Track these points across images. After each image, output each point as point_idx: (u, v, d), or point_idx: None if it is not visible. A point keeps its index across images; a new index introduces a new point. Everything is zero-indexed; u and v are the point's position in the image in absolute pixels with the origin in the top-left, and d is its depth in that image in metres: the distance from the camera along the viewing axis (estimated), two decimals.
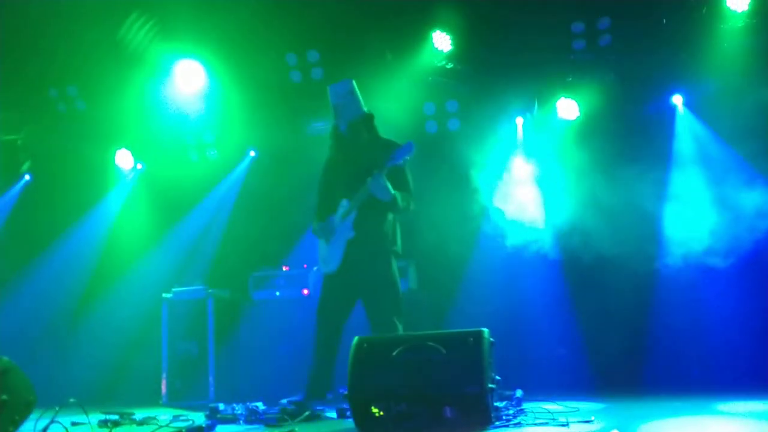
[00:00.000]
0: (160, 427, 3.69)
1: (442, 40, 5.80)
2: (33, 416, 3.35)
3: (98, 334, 6.56)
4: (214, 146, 6.94)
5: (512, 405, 3.81)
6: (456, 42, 5.80)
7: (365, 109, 4.32)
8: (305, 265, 6.08)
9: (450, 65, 6.00)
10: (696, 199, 5.59)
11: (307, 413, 4.06)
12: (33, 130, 6.91)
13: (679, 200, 5.65)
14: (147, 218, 7.12)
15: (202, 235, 7.01)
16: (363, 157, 4.19)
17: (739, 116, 5.51)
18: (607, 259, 5.39)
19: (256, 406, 4.03)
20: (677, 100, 5.98)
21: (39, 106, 6.66)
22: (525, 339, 5.73)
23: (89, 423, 3.72)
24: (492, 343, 3.41)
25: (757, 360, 5.16)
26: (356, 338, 3.57)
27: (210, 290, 6.02)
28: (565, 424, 3.31)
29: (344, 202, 4.22)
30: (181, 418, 4.16)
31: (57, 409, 3.40)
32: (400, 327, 4.15)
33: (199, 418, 4.05)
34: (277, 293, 6.08)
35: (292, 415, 3.91)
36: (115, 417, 3.97)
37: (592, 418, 3.51)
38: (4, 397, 3.20)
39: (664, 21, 5.49)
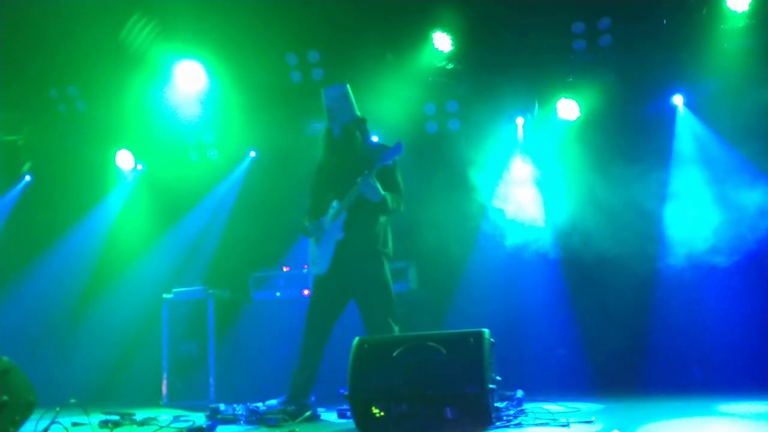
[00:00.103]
0: (161, 427, 3.69)
1: (442, 41, 5.80)
2: (34, 417, 3.35)
3: (99, 334, 6.56)
4: (214, 146, 6.94)
5: (513, 405, 3.81)
6: (456, 42, 5.80)
7: (359, 113, 4.35)
8: (306, 266, 6.08)
9: (450, 65, 6.00)
10: (696, 199, 5.59)
11: (308, 413, 4.07)
12: (34, 130, 6.92)
13: (679, 200, 5.66)
14: (147, 218, 7.12)
15: (203, 236, 7.01)
16: (355, 161, 4.22)
17: (740, 116, 5.51)
18: (608, 259, 5.39)
19: (257, 407, 4.03)
20: (678, 100, 5.98)
21: (39, 106, 6.66)
22: (525, 339, 5.73)
23: (90, 423, 3.73)
24: (492, 344, 3.41)
25: (758, 360, 5.16)
26: (357, 339, 3.57)
27: (210, 291, 6.02)
28: (566, 425, 3.31)
29: (335, 203, 4.25)
30: (182, 418, 4.17)
31: (58, 409, 3.40)
32: (396, 328, 4.16)
33: (199, 419, 4.05)
34: (278, 294, 6.08)
35: (293, 415, 3.92)
36: (116, 417, 3.97)
37: (593, 418, 3.51)
38: (5, 397, 3.20)
39: (665, 21, 5.49)
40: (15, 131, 6.94)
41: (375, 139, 6.55)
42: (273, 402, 4.08)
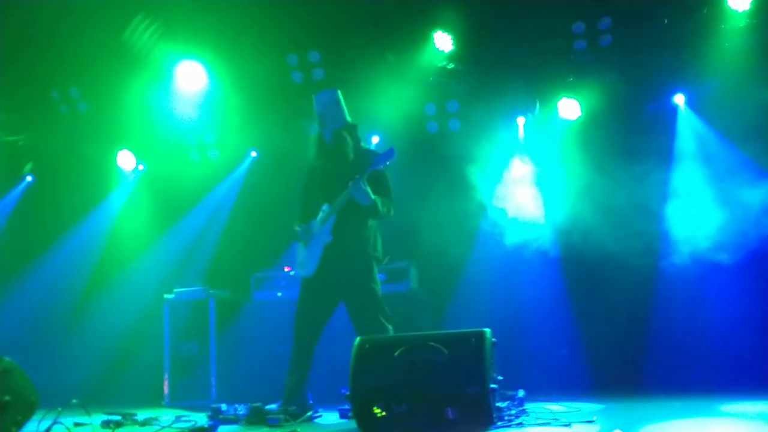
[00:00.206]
0: (163, 427, 3.70)
1: (443, 41, 5.79)
2: (36, 417, 3.36)
3: (100, 334, 6.56)
4: (215, 147, 6.95)
5: (514, 405, 3.81)
6: (457, 42, 5.80)
7: (350, 118, 4.40)
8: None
9: (451, 65, 6.00)
10: (698, 198, 5.58)
11: (309, 413, 4.07)
12: (35, 131, 6.93)
13: (680, 199, 5.65)
14: (148, 219, 7.13)
15: (204, 236, 7.01)
16: (346, 166, 4.26)
17: (741, 115, 5.50)
18: (608, 258, 5.39)
19: (259, 407, 4.03)
20: (679, 99, 5.98)
21: (41, 107, 6.67)
22: (526, 338, 5.72)
23: (92, 423, 3.73)
24: (494, 343, 3.41)
25: (760, 359, 5.15)
26: (358, 339, 3.57)
27: (211, 291, 6.02)
28: (568, 425, 3.31)
29: (325, 207, 4.29)
30: (184, 418, 4.17)
31: (59, 409, 3.41)
32: (389, 327, 4.19)
33: (201, 419, 4.05)
34: (279, 294, 6.08)
35: (294, 415, 3.92)
36: (118, 417, 3.98)
37: (594, 418, 3.51)
38: (7, 398, 3.21)
39: (666, 21, 5.48)
40: (17, 132, 6.95)
41: (376, 139, 6.62)
42: (272, 407, 4.09)
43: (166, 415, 4.32)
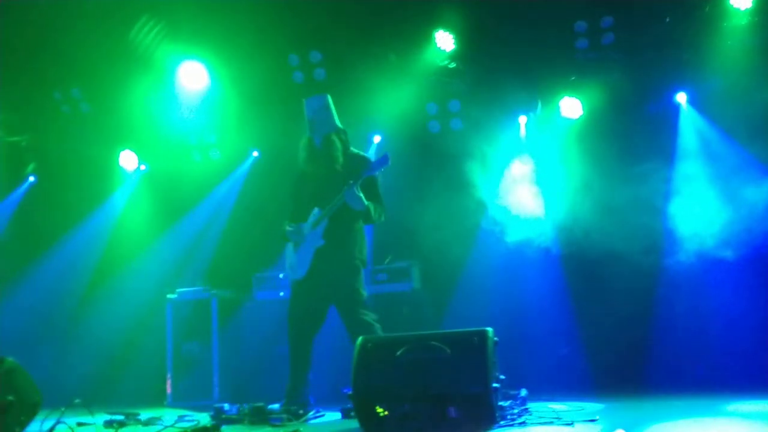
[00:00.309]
0: (165, 427, 3.70)
1: (444, 40, 5.79)
2: (39, 417, 3.36)
3: (102, 334, 6.57)
4: (217, 147, 6.96)
5: (517, 404, 3.80)
6: (459, 41, 5.79)
7: (339, 124, 4.47)
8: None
9: (453, 65, 5.99)
10: (700, 196, 5.57)
11: (311, 413, 4.08)
12: (37, 131, 6.94)
13: (683, 197, 5.64)
14: (150, 219, 7.13)
15: (206, 236, 7.02)
16: (336, 170, 4.35)
17: (744, 114, 5.49)
18: (611, 257, 5.38)
19: (261, 406, 4.04)
20: (681, 98, 5.97)
21: (43, 108, 6.68)
22: (529, 337, 5.72)
23: (95, 423, 3.74)
24: (496, 342, 3.41)
25: (764, 358, 5.13)
26: (360, 338, 3.58)
27: (214, 291, 6.03)
28: (570, 424, 3.31)
29: (316, 211, 4.36)
30: (186, 418, 4.18)
31: (62, 409, 3.41)
32: (377, 327, 4.26)
33: (204, 419, 4.06)
34: (281, 293, 6.08)
35: (297, 415, 3.92)
36: (121, 417, 3.98)
37: (597, 417, 3.51)
38: (11, 397, 3.22)
39: (667, 19, 5.47)
40: (19, 132, 6.97)
41: (377, 139, 6.62)
42: (275, 406, 4.11)
43: (169, 415, 4.32)
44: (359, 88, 5.90)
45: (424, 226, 5.78)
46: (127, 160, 7.06)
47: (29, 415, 3.33)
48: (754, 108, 5.41)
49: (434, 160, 6.29)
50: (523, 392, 4.02)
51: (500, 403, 3.45)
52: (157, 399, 5.89)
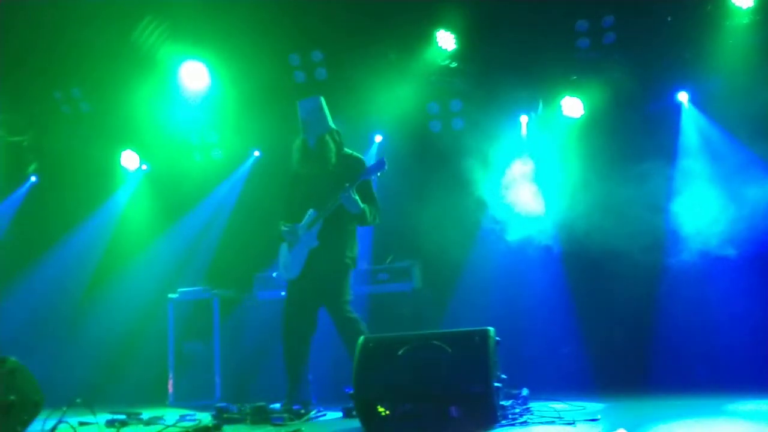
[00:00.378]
0: (167, 426, 3.70)
1: (445, 39, 5.79)
2: (41, 416, 3.37)
3: (104, 334, 6.58)
4: (218, 147, 6.96)
5: (518, 404, 3.80)
6: (460, 41, 5.79)
7: (333, 125, 4.55)
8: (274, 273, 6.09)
9: (454, 64, 5.99)
10: (703, 195, 5.56)
11: (313, 412, 4.08)
12: (39, 131, 6.94)
13: (685, 196, 5.63)
14: (152, 218, 7.14)
15: (207, 236, 7.02)
16: (330, 171, 4.43)
17: (746, 113, 5.48)
18: (613, 256, 5.38)
19: (263, 406, 4.04)
20: (683, 97, 5.96)
21: (44, 108, 6.69)
22: (530, 337, 5.71)
23: (97, 423, 3.74)
24: (497, 342, 3.41)
25: (766, 358, 5.13)
26: (362, 337, 3.58)
27: (215, 290, 6.03)
28: (572, 423, 3.31)
29: (311, 212, 4.42)
30: (188, 417, 4.18)
31: (64, 409, 3.42)
32: (363, 324, 4.37)
33: (205, 418, 4.06)
34: (283, 293, 6.05)
35: (299, 414, 3.93)
36: (123, 417, 3.99)
37: (599, 416, 3.51)
38: (13, 397, 3.22)
39: (669, 18, 5.47)
40: (21, 132, 6.97)
41: (378, 138, 6.62)
42: (275, 406, 4.12)
43: (171, 415, 4.33)
44: (360, 88, 5.90)
45: (425, 226, 5.78)
46: (129, 159, 7.07)
47: (31, 415, 3.33)
48: (756, 107, 5.40)
49: (435, 159, 6.29)
50: (525, 392, 4.02)
51: (502, 403, 3.45)
52: (158, 398, 5.90)
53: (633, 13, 5.43)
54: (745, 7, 5.25)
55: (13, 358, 3.33)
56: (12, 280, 6.83)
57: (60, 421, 3.38)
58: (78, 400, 3.50)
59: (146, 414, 4.17)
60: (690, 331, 5.48)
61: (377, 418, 3.36)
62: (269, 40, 5.94)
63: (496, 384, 3.27)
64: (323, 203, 4.37)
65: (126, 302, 6.63)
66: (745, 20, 5.34)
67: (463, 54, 5.90)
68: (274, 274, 5.93)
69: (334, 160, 4.46)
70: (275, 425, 3.77)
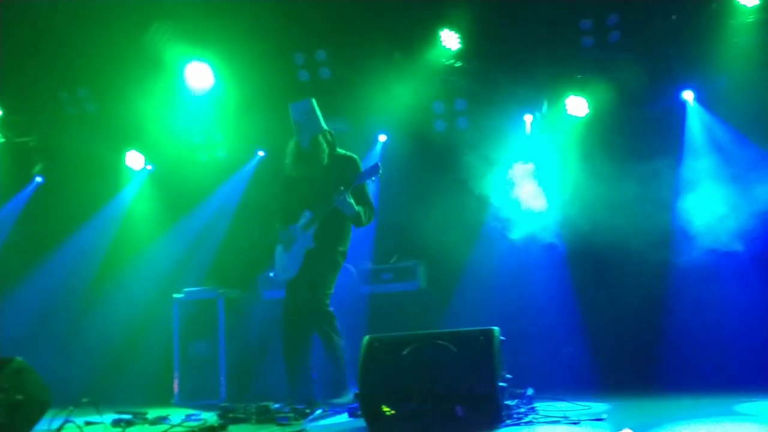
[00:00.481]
0: (173, 426, 3.71)
1: (450, 39, 5.78)
2: (47, 416, 3.38)
3: (109, 333, 6.59)
4: (222, 146, 6.97)
5: (523, 403, 3.80)
6: (464, 40, 5.79)
7: (325, 126, 4.63)
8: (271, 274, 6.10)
9: (458, 64, 5.98)
10: (709, 193, 5.54)
11: (318, 412, 4.09)
12: (45, 132, 6.97)
13: (690, 194, 5.62)
14: (157, 218, 7.16)
15: (212, 236, 7.03)
16: (324, 171, 4.52)
17: (751, 112, 5.47)
18: (618, 254, 5.37)
19: (267, 406, 4.05)
20: (688, 95, 5.95)
21: (50, 109, 6.71)
22: (535, 336, 5.70)
23: (103, 422, 3.75)
24: (502, 341, 3.40)
25: None
26: (367, 337, 3.58)
27: (220, 290, 6.05)
28: (577, 423, 3.31)
29: (307, 213, 4.51)
30: (193, 417, 4.19)
31: (71, 408, 3.43)
32: (336, 320, 4.50)
33: (211, 418, 4.07)
34: None
35: (303, 414, 3.93)
36: (128, 416, 4.00)
37: (604, 416, 3.50)
38: (19, 397, 3.24)
39: (674, 17, 5.46)
40: (27, 133, 7.00)
41: (383, 138, 6.62)
42: (276, 405, 4.13)
43: (176, 414, 4.34)
44: (365, 87, 5.90)
45: (429, 225, 5.78)
46: (134, 160, 7.09)
47: (38, 414, 3.35)
48: (762, 106, 5.38)
49: (440, 158, 6.28)
50: (530, 391, 4.02)
51: (507, 402, 3.45)
52: (164, 398, 5.91)
53: (638, 11, 5.42)
54: (750, 5, 5.23)
55: (19, 358, 3.35)
56: (17, 279, 6.86)
57: (66, 421, 3.39)
58: (84, 400, 3.51)
59: (152, 413, 4.19)
60: (697, 329, 5.45)
61: (382, 418, 3.37)
62: (273, 40, 5.95)
63: (501, 383, 3.27)
64: (318, 204, 4.46)
65: (131, 302, 6.65)
66: (750, 18, 5.32)
67: (467, 53, 5.90)
68: (271, 275, 5.96)
69: (326, 160, 4.56)
70: (280, 425, 3.77)
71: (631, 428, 3.05)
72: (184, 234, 7.03)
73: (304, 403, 4.21)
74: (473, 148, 5.90)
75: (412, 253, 6.03)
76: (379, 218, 6.37)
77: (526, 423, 3.38)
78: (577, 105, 5.97)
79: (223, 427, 3.57)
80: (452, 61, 5.97)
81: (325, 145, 4.58)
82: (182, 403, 5.77)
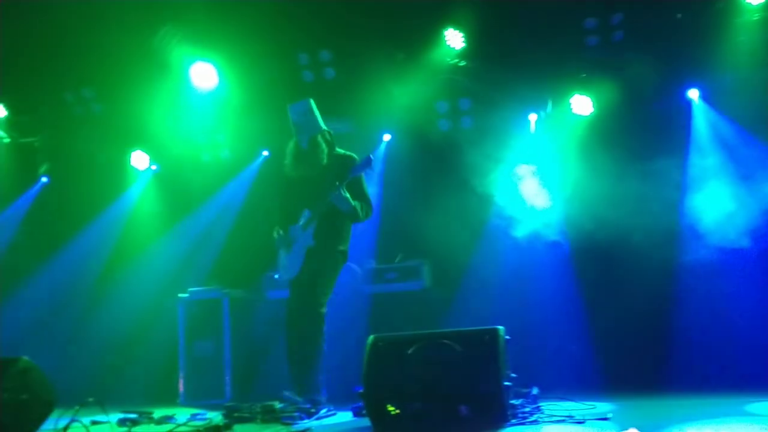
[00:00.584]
0: (178, 425, 3.72)
1: (454, 38, 5.78)
2: (53, 415, 3.39)
3: (114, 333, 6.61)
4: (227, 146, 6.98)
5: (528, 403, 3.80)
6: (468, 39, 5.79)
7: (324, 125, 4.64)
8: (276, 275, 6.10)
9: (462, 63, 5.98)
10: (715, 190, 5.53)
11: (323, 411, 4.09)
12: (51, 133, 6.99)
13: (696, 192, 5.60)
14: (161, 218, 7.17)
15: (217, 235, 7.04)
16: (324, 170, 4.52)
17: (757, 109, 5.45)
18: (624, 253, 5.36)
19: (272, 405, 4.05)
20: (693, 94, 5.93)
21: (56, 109, 6.73)
22: (540, 335, 5.69)
23: (109, 422, 3.77)
24: (507, 341, 3.40)
25: None
26: (371, 337, 3.58)
27: (225, 290, 6.06)
28: (582, 422, 3.30)
29: (306, 212, 4.51)
30: (199, 416, 4.20)
31: (77, 408, 3.44)
32: (324, 326, 4.45)
33: (216, 417, 4.08)
34: None
35: (309, 413, 3.94)
36: (134, 416, 4.01)
37: (610, 415, 3.49)
38: (25, 396, 3.25)
39: (679, 15, 5.44)
40: (33, 133, 7.02)
41: (387, 137, 6.63)
42: (279, 405, 4.14)
43: (182, 414, 4.35)
44: (369, 87, 5.91)
45: (434, 225, 5.78)
46: (139, 160, 7.11)
47: (44, 414, 3.36)
48: (767, 103, 5.36)
49: (444, 158, 6.28)
50: (535, 390, 4.01)
51: (512, 402, 3.44)
52: (169, 398, 5.92)
53: (642, 10, 5.41)
54: (755, 3, 5.21)
55: (25, 358, 3.36)
56: (23, 279, 6.88)
57: (72, 420, 3.40)
58: (90, 399, 3.52)
59: (157, 413, 4.20)
60: (704, 328, 5.42)
61: (387, 417, 3.37)
62: (277, 40, 5.96)
63: (506, 383, 3.27)
64: (318, 203, 4.46)
65: (136, 302, 6.66)
66: (756, 17, 5.31)
67: (471, 52, 5.89)
68: (276, 276, 5.97)
69: (326, 160, 4.56)
70: (285, 424, 3.78)
71: (636, 428, 3.04)
72: (188, 234, 7.04)
73: (309, 403, 4.21)
74: (477, 147, 5.90)
75: (416, 252, 6.03)
76: (382, 217, 6.39)
77: (531, 422, 3.38)
78: (582, 104, 5.96)
79: (228, 426, 3.58)
80: (456, 60, 5.97)
81: (324, 145, 4.59)
82: (187, 402, 5.78)
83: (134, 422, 3.93)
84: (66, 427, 3.34)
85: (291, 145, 4.67)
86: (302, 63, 6.16)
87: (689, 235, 5.48)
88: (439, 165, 6.30)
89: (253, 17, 5.68)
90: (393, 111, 6.17)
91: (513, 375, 3.43)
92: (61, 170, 7.21)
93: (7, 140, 7.00)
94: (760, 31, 5.34)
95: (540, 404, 3.90)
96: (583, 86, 5.92)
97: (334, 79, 6.16)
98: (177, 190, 7.15)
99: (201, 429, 3.50)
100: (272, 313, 6.13)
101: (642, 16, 5.47)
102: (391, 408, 3.36)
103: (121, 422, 3.91)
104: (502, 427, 3.24)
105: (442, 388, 3.31)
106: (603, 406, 3.94)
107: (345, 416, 4.19)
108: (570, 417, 3.46)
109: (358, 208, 4.45)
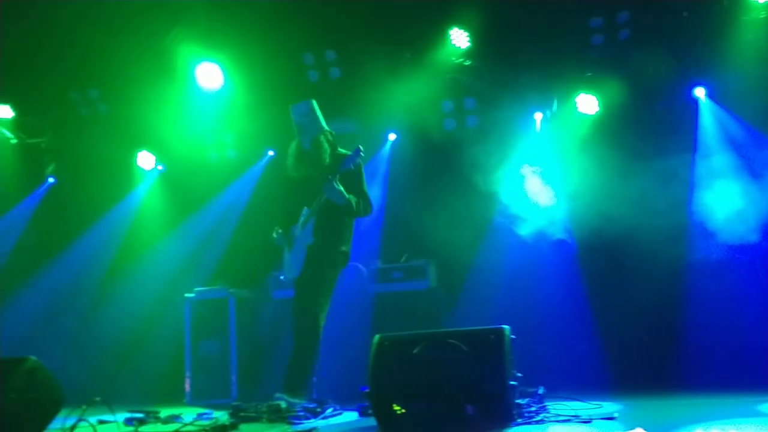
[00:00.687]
0: (185, 424, 3.73)
1: (459, 37, 5.78)
2: (60, 415, 3.41)
3: (120, 333, 6.64)
4: (232, 146, 7.00)
5: (534, 402, 3.79)
6: (473, 39, 5.78)
7: (326, 126, 4.64)
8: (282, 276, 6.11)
9: (468, 62, 5.98)
10: (722, 188, 5.50)
11: (329, 410, 4.10)
12: (58, 133, 7.02)
13: (703, 190, 5.58)
14: (167, 218, 7.20)
15: (223, 235, 7.06)
16: (326, 171, 4.47)
17: (763, 107, 5.43)
18: (629, 253, 5.34)
19: (278, 405, 4.06)
20: (699, 92, 5.91)
21: (62, 110, 6.76)
22: (546, 335, 5.68)
23: (116, 421, 3.78)
24: (513, 340, 3.40)
25: None
26: (377, 336, 3.58)
27: (231, 290, 6.07)
28: (588, 422, 3.30)
29: (305, 210, 4.50)
30: (205, 416, 4.21)
31: (84, 407, 3.45)
32: (320, 329, 4.38)
33: (222, 416, 4.09)
34: None
35: (314, 413, 3.94)
36: (141, 415, 4.02)
37: (616, 415, 3.48)
38: (33, 396, 3.26)
39: (685, 14, 5.42)
40: (39, 134, 7.06)
41: (392, 137, 6.63)
42: (281, 405, 4.14)
43: (188, 413, 4.36)
44: (374, 87, 5.91)
45: (438, 224, 5.77)
46: (145, 160, 7.13)
47: (51, 414, 3.37)
48: None
49: (449, 157, 6.28)
50: (540, 390, 4.00)
51: (517, 401, 3.44)
52: (175, 397, 5.94)
53: (648, 8, 5.39)
54: (762, 1, 5.18)
55: (32, 358, 3.37)
56: (30, 279, 6.92)
57: (80, 420, 3.41)
58: (97, 399, 3.53)
59: (164, 412, 4.21)
60: (713, 327, 5.40)
61: (393, 417, 3.37)
62: (283, 40, 5.97)
63: (511, 382, 3.26)
64: (315, 200, 4.43)
65: (143, 301, 6.69)
66: (762, 14, 5.28)
67: (476, 52, 5.89)
68: (282, 277, 5.98)
69: (328, 160, 4.54)
70: (291, 423, 3.78)
71: (643, 428, 3.03)
72: (194, 233, 7.06)
73: (315, 402, 4.21)
74: (482, 146, 5.89)
75: (421, 251, 6.03)
76: (388, 217, 6.39)
77: (537, 422, 3.37)
78: (588, 103, 5.95)
79: (234, 425, 3.59)
80: (461, 59, 5.96)
81: (326, 146, 4.57)
82: (194, 401, 5.80)
83: (141, 421, 3.94)
84: (73, 427, 3.36)
85: (293, 145, 4.67)
86: (307, 63, 6.16)
87: (697, 234, 5.46)
88: (444, 164, 6.30)
89: (259, 18, 5.69)
90: (398, 110, 6.17)
91: (519, 374, 3.42)
92: (67, 171, 7.24)
93: (14, 141, 7.04)
94: (766, 29, 5.31)
95: (546, 404, 3.89)
96: (589, 85, 5.91)
97: (339, 79, 6.17)
98: (183, 190, 7.17)
99: (207, 428, 3.51)
100: (278, 313, 6.14)
101: (648, 15, 5.45)
102: (396, 407, 3.36)
103: (128, 421, 3.93)
104: (508, 426, 3.23)
105: (447, 387, 3.30)
106: (609, 406, 3.93)
107: (351, 416, 4.19)
108: (576, 416, 3.45)
109: (353, 201, 4.40)
